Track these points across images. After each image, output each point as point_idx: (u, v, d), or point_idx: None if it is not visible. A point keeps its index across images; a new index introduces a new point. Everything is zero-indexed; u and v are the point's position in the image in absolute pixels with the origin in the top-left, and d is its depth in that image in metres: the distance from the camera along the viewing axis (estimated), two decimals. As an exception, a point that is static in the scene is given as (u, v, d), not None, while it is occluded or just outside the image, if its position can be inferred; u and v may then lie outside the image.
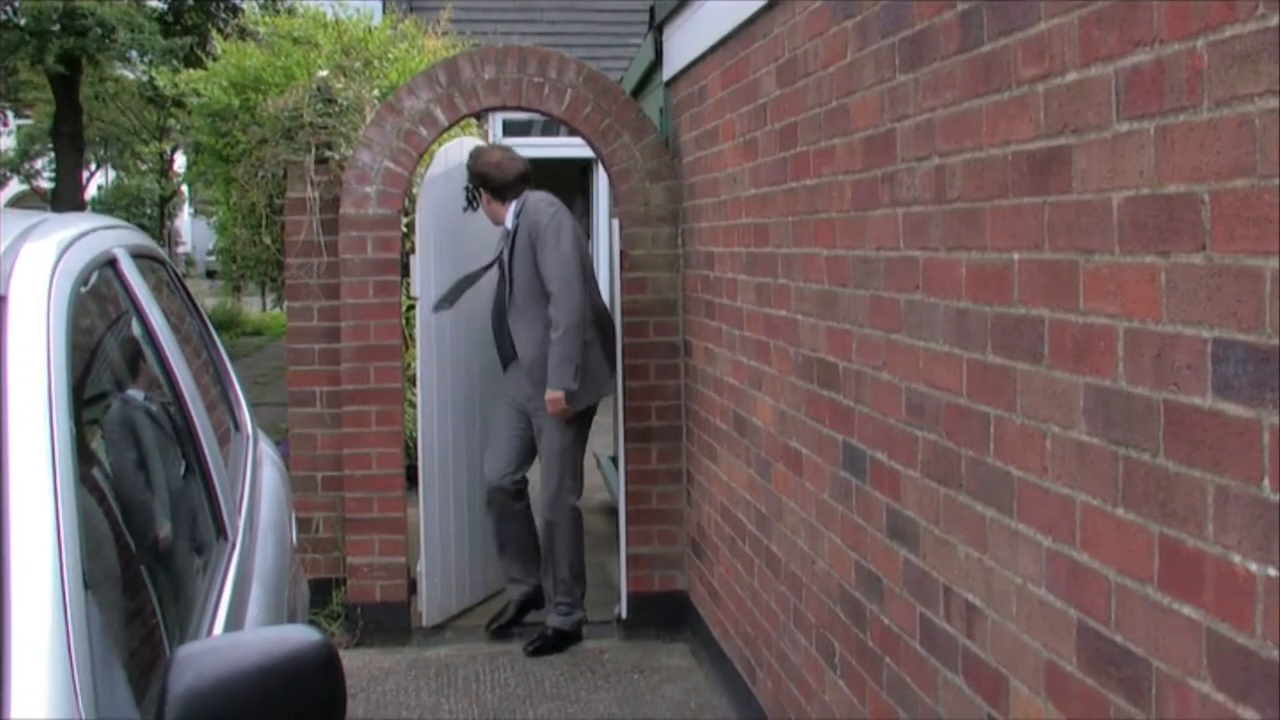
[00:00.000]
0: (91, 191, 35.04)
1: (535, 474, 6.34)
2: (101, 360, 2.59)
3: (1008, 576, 2.77)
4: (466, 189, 6.45)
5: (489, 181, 6.26)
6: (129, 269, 2.93)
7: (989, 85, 2.81)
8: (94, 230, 2.77)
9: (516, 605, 6.47)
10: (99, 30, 18.21)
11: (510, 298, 6.16)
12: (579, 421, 6.26)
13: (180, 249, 46.18)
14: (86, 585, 1.73)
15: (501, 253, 6.25)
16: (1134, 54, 2.23)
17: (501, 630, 6.41)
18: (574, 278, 5.99)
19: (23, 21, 18.59)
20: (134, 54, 19.03)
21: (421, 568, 6.41)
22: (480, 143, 6.70)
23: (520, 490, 6.37)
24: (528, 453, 6.35)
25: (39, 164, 35.08)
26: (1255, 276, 1.90)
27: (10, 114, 29.05)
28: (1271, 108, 1.86)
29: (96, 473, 2.20)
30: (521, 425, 6.30)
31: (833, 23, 3.89)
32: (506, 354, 6.32)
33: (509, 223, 6.21)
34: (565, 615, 6.26)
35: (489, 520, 6.47)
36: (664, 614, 6.42)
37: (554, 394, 6.00)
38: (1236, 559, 1.96)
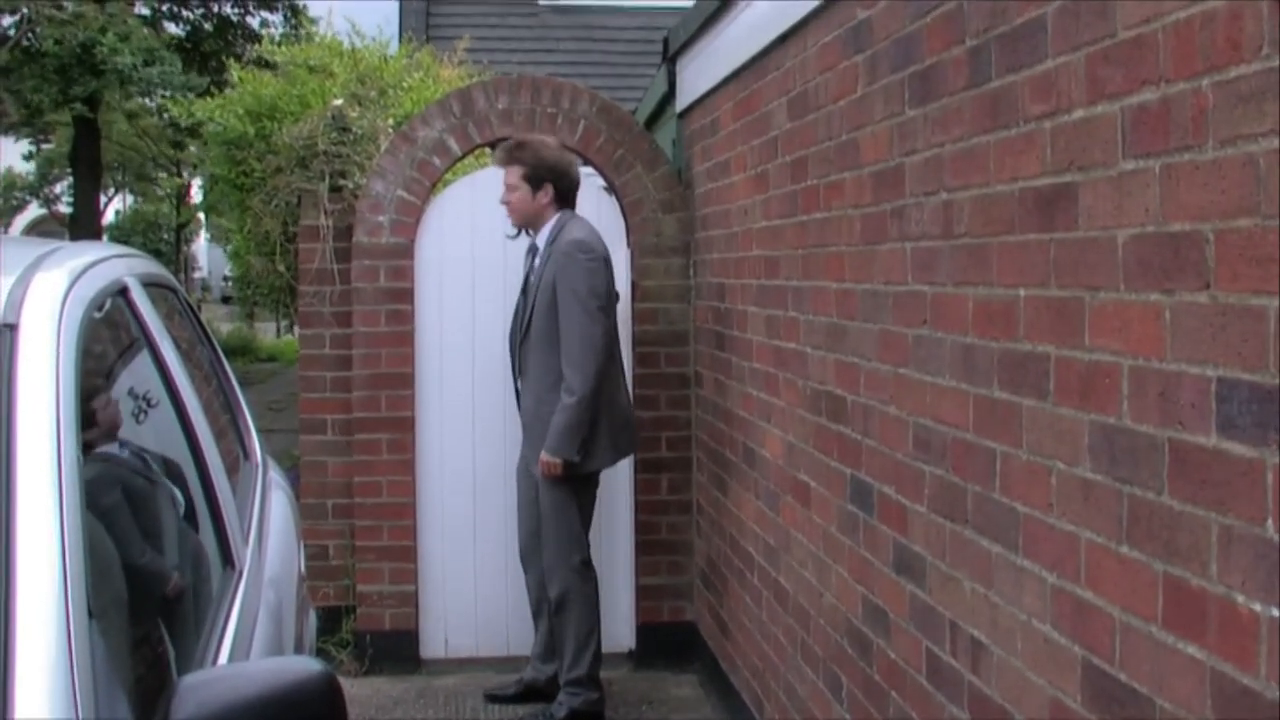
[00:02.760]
0: (109, 217, 35.24)
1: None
2: (111, 388, 2.60)
3: (1013, 612, 2.77)
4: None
5: (564, 180, 5.71)
6: (140, 297, 2.95)
7: (997, 121, 2.82)
8: (105, 259, 2.79)
9: (523, 685, 5.97)
10: (117, 75, 18.36)
11: (525, 331, 5.65)
12: (571, 485, 5.62)
13: (196, 274, 46.38)
14: (91, 614, 1.73)
15: (529, 273, 5.75)
16: (1140, 92, 2.24)
17: (495, 699, 5.97)
18: (599, 346, 5.47)
19: (43, 47, 18.74)
20: (153, 86, 19.18)
21: (420, 598, 6.38)
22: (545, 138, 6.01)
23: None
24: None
25: (58, 189, 35.32)
26: (1259, 316, 1.90)
27: (27, 141, 29.28)
28: (1275, 147, 1.86)
29: (105, 501, 2.21)
30: (533, 489, 5.74)
31: (843, 57, 3.91)
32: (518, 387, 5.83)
33: (542, 242, 5.66)
34: (573, 695, 5.69)
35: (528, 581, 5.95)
36: (673, 645, 6.41)
37: (551, 459, 5.47)
38: (1240, 599, 1.95)
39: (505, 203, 5.73)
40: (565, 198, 5.70)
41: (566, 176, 5.71)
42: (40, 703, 1.56)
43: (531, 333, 5.60)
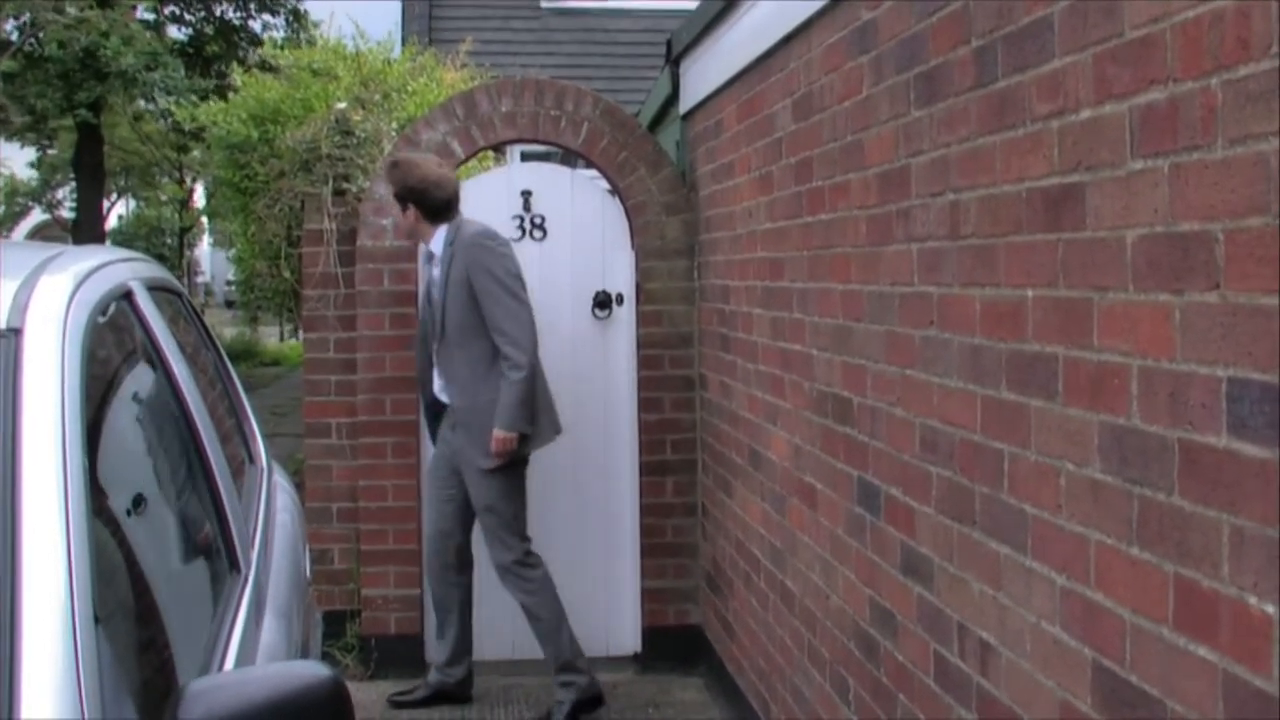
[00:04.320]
0: (112, 221, 35.25)
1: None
2: (116, 393, 2.59)
3: (1022, 614, 2.76)
4: (520, 217, 6.38)
5: (426, 199, 5.69)
6: (144, 301, 2.94)
7: (1003, 121, 2.81)
8: (110, 263, 2.79)
9: (430, 689, 5.97)
10: (121, 80, 18.39)
11: (441, 334, 5.68)
12: (507, 471, 5.66)
13: (199, 279, 46.37)
14: (97, 619, 1.73)
15: (430, 283, 5.81)
16: (1148, 92, 2.23)
17: (401, 705, 5.94)
18: (529, 316, 5.57)
19: (46, 52, 18.76)
20: (157, 90, 19.21)
21: (425, 602, 6.38)
22: (418, 155, 6.04)
23: (462, 561, 5.92)
24: (463, 516, 5.86)
25: (60, 194, 35.32)
26: (1270, 315, 1.89)
27: (33, 148, 29.33)
28: (1286, 147, 1.85)
29: (110, 505, 2.20)
30: (453, 483, 5.82)
31: (849, 58, 3.90)
32: (430, 397, 5.87)
33: (438, 249, 5.70)
34: (568, 686, 5.76)
35: (429, 588, 6.06)
36: (679, 648, 6.40)
37: (505, 434, 5.50)
38: (1253, 600, 1.94)
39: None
40: (436, 213, 5.73)
41: (427, 196, 5.70)
42: (47, 710, 1.56)
43: (450, 332, 5.64)
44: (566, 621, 5.80)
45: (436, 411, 5.89)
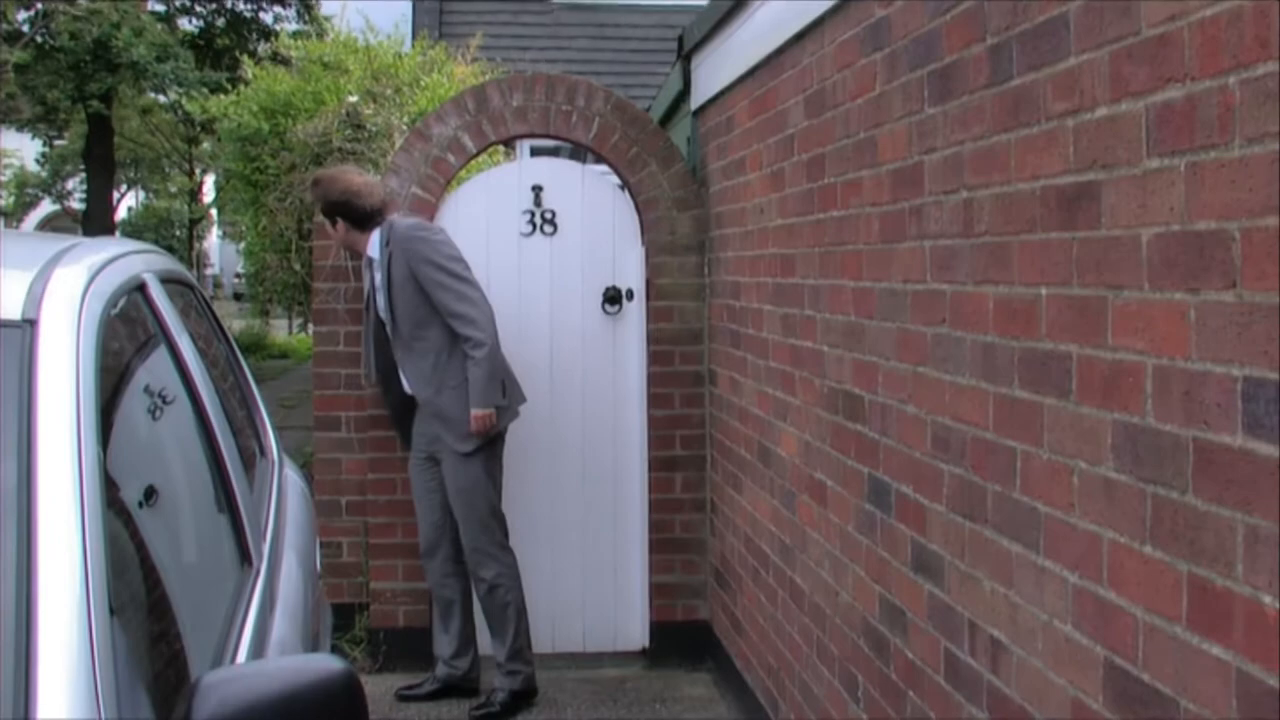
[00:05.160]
0: (121, 213, 35.29)
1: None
2: (130, 384, 2.60)
3: (1033, 612, 2.76)
4: (531, 211, 6.39)
5: (351, 210, 5.72)
6: (158, 293, 2.95)
7: (1018, 119, 2.81)
8: (124, 255, 2.79)
9: (438, 682, 6.00)
10: (132, 71, 18.43)
11: (394, 334, 5.71)
12: (485, 453, 5.74)
13: (208, 271, 46.44)
14: (112, 610, 1.73)
15: (372, 288, 5.83)
16: (1165, 90, 2.22)
17: (409, 699, 5.98)
18: (479, 293, 5.63)
19: (57, 45, 18.80)
20: (168, 81, 19.24)
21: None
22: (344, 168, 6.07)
23: (457, 550, 5.89)
24: (449, 505, 5.87)
25: (70, 185, 35.39)
26: (1287, 315, 1.89)
27: (40, 141, 29.39)
28: (1304, 146, 1.85)
29: (123, 496, 2.21)
30: (434, 474, 5.86)
31: (862, 54, 3.89)
32: (398, 400, 5.90)
33: (375, 253, 5.73)
34: (514, 675, 5.83)
35: (429, 585, 6.06)
36: (687, 644, 6.40)
37: (482, 412, 5.57)
38: (1267, 599, 1.94)
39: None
40: (364, 221, 5.75)
41: (351, 207, 5.73)
42: (63, 702, 1.56)
43: (403, 329, 5.68)
44: (526, 612, 5.88)
45: (403, 412, 5.93)
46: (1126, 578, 2.36)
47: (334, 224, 5.78)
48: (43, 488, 1.80)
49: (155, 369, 2.85)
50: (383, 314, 5.76)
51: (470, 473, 5.71)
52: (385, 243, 5.69)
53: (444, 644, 5.99)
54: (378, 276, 5.75)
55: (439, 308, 5.60)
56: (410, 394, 5.82)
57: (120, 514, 2.14)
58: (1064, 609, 2.62)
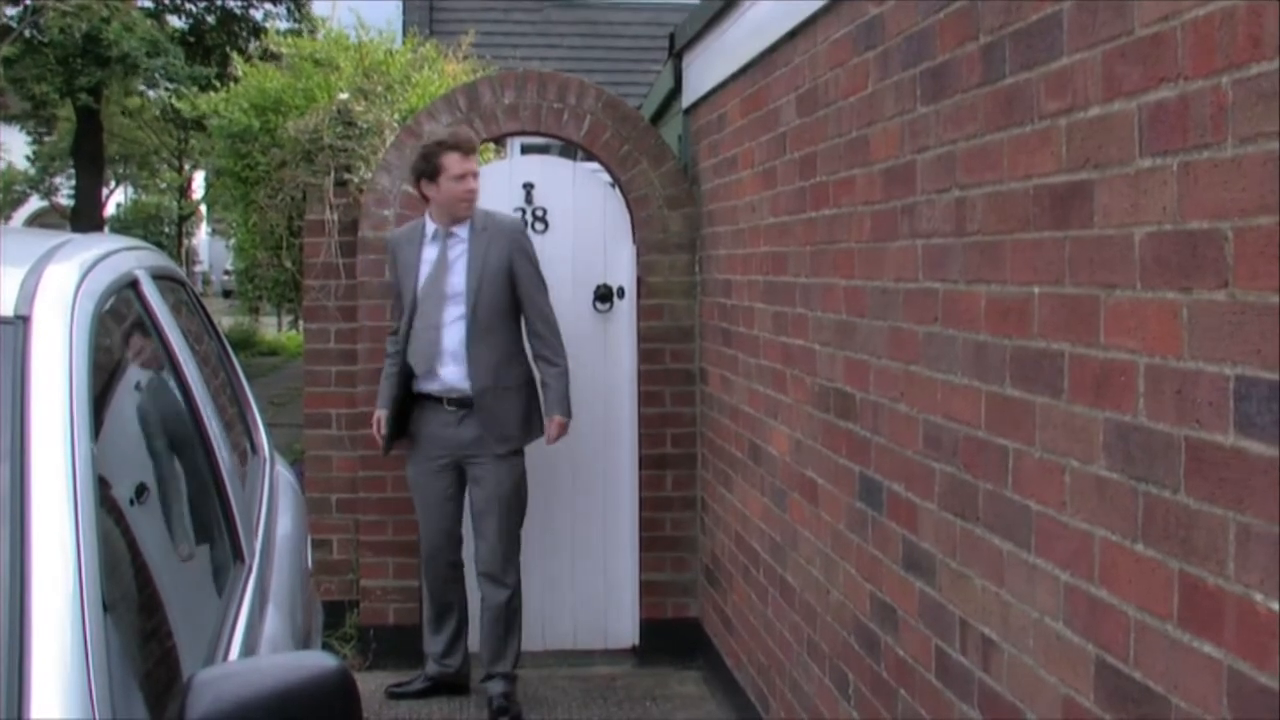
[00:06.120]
0: (110, 209, 35.22)
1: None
2: (122, 381, 2.60)
3: (1025, 610, 2.76)
4: (522, 209, 6.36)
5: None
6: (150, 290, 2.95)
7: (1011, 118, 2.82)
8: (116, 251, 2.79)
9: (428, 680, 5.96)
10: (122, 65, 18.40)
11: (471, 318, 5.56)
12: (520, 459, 5.76)
13: (197, 268, 46.35)
14: (106, 607, 1.73)
15: (438, 264, 5.63)
16: (1158, 90, 2.23)
17: (399, 696, 5.94)
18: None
19: (46, 39, 18.76)
20: (158, 75, 19.22)
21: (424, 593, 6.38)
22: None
23: (461, 558, 5.87)
24: (460, 513, 5.82)
25: (58, 180, 35.30)
26: (1279, 314, 1.89)
27: (28, 137, 29.32)
28: (1297, 146, 1.86)
29: (115, 494, 2.21)
30: (453, 480, 5.75)
31: (854, 53, 3.90)
32: (400, 392, 5.68)
33: (463, 232, 5.62)
34: (512, 681, 5.78)
35: (428, 591, 5.92)
36: (677, 641, 6.40)
37: (565, 420, 5.70)
38: (1258, 597, 1.95)
39: (472, 190, 5.62)
40: None
41: None
42: (57, 701, 1.56)
43: (482, 314, 5.58)
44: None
45: (399, 408, 5.73)
46: (1118, 576, 2.37)
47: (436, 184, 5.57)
48: (35, 485, 1.80)
49: (147, 366, 2.84)
50: (453, 290, 5.59)
51: (513, 475, 5.70)
52: (480, 227, 5.62)
53: (436, 643, 5.96)
54: (453, 250, 5.62)
55: (529, 306, 5.66)
56: (452, 385, 5.63)
57: (113, 511, 2.14)
58: (1055, 607, 2.62)
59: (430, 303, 5.62)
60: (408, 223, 5.92)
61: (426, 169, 5.57)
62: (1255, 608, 1.95)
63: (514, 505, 5.72)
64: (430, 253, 5.67)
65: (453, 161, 5.53)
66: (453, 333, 5.59)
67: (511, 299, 5.64)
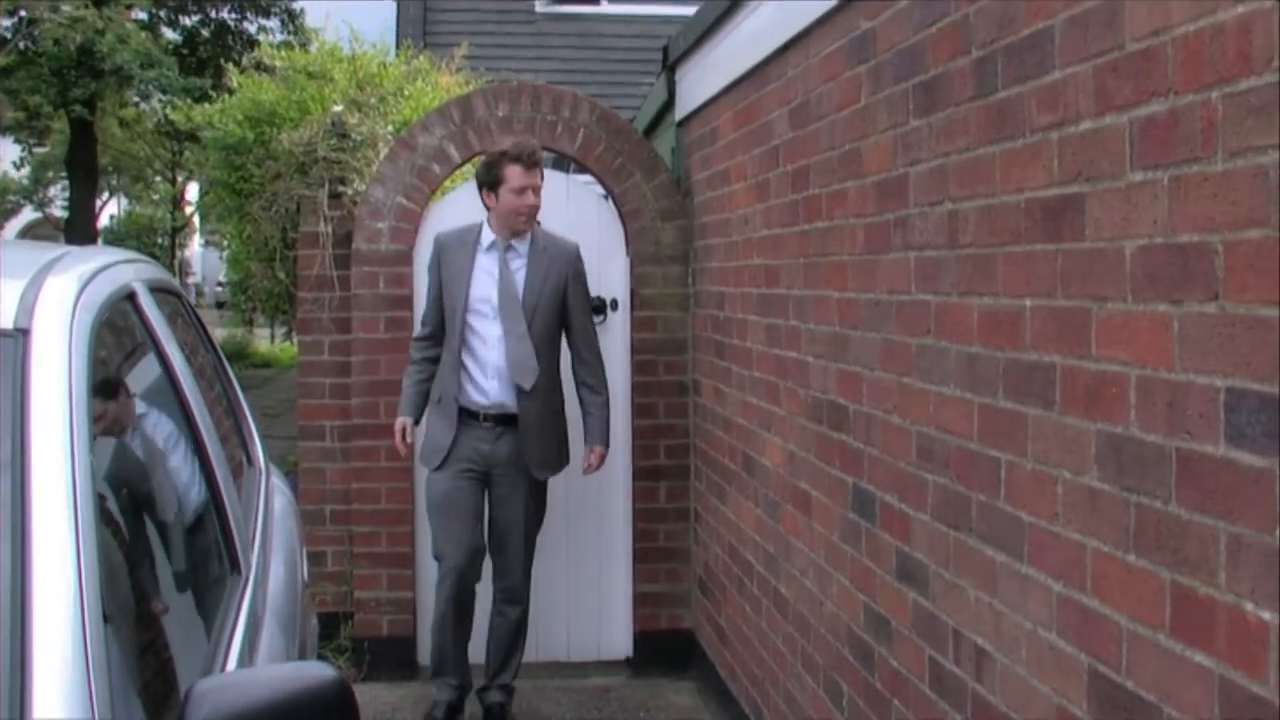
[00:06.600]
0: (104, 220, 35.19)
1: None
2: (120, 393, 2.61)
3: (1018, 621, 2.78)
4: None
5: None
6: (147, 302, 2.96)
7: (1003, 132, 2.84)
8: (114, 264, 2.80)
9: (449, 709, 5.69)
10: (116, 78, 18.43)
11: (530, 332, 5.47)
12: (544, 486, 5.73)
13: (190, 279, 46.29)
14: (106, 618, 1.74)
15: (496, 277, 5.50)
16: (1149, 104, 2.25)
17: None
18: None
19: (41, 51, 18.78)
20: (152, 88, 19.25)
21: (418, 604, 6.38)
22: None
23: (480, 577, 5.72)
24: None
25: (52, 192, 35.28)
26: (1268, 327, 1.91)
27: (19, 148, 29.27)
28: (1285, 160, 1.88)
29: (115, 504, 2.22)
30: (481, 498, 5.60)
31: (847, 67, 3.92)
32: (420, 399, 5.65)
33: (523, 247, 5.53)
34: (512, 692, 5.78)
35: (450, 607, 5.58)
36: (671, 653, 6.41)
37: (603, 451, 5.72)
38: (1249, 607, 1.96)
39: (533, 206, 5.49)
40: None
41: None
42: (58, 710, 1.57)
43: (537, 331, 5.50)
44: None
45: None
46: (1110, 586, 2.39)
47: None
48: (36, 496, 1.81)
49: (145, 378, 2.86)
50: (509, 307, 5.46)
51: (540, 500, 5.69)
52: (541, 246, 5.57)
53: (452, 673, 5.69)
54: (514, 263, 5.51)
55: (578, 332, 5.66)
56: (488, 402, 5.49)
57: (112, 522, 2.15)
58: (1048, 617, 2.64)
59: (481, 316, 5.50)
60: (459, 227, 5.74)
61: (488, 178, 5.48)
62: (1246, 617, 1.97)
63: (536, 524, 5.70)
64: (487, 262, 5.54)
65: (514, 174, 5.42)
66: (504, 349, 5.48)
67: (560, 324, 5.61)
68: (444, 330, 5.61)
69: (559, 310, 5.57)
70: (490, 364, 5.50)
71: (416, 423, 5.73)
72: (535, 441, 5.55)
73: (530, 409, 5.51)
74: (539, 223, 5.64)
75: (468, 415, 5.54)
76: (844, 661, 4.01)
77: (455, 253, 5.60)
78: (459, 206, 6.49)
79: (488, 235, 5.56)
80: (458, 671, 5.71)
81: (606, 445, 5.75)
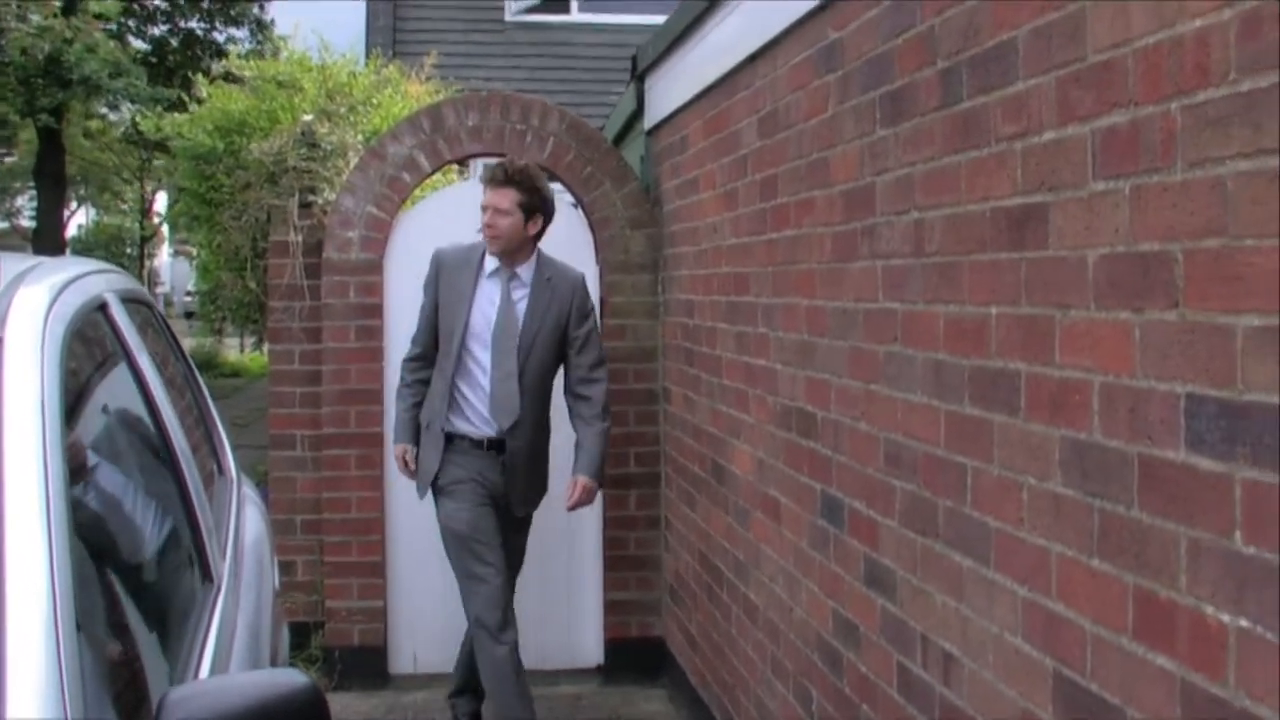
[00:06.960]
0: (72, 230, 35.02)
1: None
2: (91, 402, 2.61)
3: (984, 625, 2.81)
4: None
5: (550, 215, 5.36)
6: (118, 313, 2.97)
7: (968, 142, 2.87)
8: (86, 274, 2.81)
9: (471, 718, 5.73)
10: (84, 87, 18.35)
11: (522, 368, 5.30)
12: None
13: (159, 289, 46.12)
14: (79, 626, 1.75)
15: (494, 306, 5.32)
16: (1110, 115, 2.28)
17: None
18: None
19: (8, 59, 18.68)
20: (120, 97, 19.18)
21: (389, 614, 6.39)
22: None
23: None
24: None
25: (19, 202, 35.10)
26: (1227, 334, 1.95)
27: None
28: (1243, 170, 1.91)
29: (87, 513, 2.22)
30: (498, 524, 5.38)
31: (815, 76, 3.95)
32: (413, 423, 5.45)
33: (527, 272, 5.34)
34: (480, 702, 5.71)
35: (509, 669, 5.27)
36: (642, 660, 6.43)
37: (593, 483, 5.44)
38: (1209, 610, 1.99)
39: (490, 225, 5.23)
40: (542, 234, 5.39)
41: (552, 213, 5.39)
42: (33, 708, 1.57)
43: (533, 366, 5.33)
44: None
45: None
46: (1075, 590, 2.42)
47: (530, 218, 5.25)
48: (9, 505, 1.81)
49: (117, 388, 2.86)
50: (509, 339, 5.28)
51: (527, 532, 5.66)
52: (546, 277, 5.35)
53: (467, 704, 5.73)
54: (516, 293, 5.33)
55: (582, 363, 5.41)
56: (478, 430, 5.33)
57: (84, 531, 2.15)
58: (1014, 621, 2.67)
59: (481, 345, 5.31)
60: (461, 245, 5.52)
61: None
62: (1206, 620, 2.00)
63: (520, 562, 5.65)
64: (490, 289, 5.35)
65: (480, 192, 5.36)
66: (489, 386, 5.31)
67: (558, 358, 5.42)
68: (436, 351, 5.44)
69: (558, 345, 5.38)
70: (486, 393, 5.33)
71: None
72: (527, 476, 5.45)
73: (524, 445, 5.37)
74: (539, 250, 5.41)
75: (469, 443, 5.35)
76: (813, 667, 4.04)
77: (456, 274, 5.39)
78: (429, 215, 6.52)
79: (491, 261, 5.36)
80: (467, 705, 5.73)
81: (599, 478, 5.50)
